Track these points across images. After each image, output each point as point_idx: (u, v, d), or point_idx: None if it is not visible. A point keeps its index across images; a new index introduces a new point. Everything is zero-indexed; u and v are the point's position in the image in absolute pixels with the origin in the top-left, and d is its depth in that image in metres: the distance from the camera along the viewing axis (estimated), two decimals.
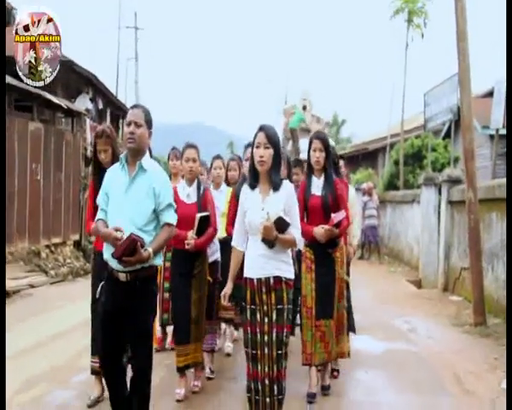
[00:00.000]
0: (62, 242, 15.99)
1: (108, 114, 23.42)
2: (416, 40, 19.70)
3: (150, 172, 4.12)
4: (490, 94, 16.74)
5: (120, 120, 25.61)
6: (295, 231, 4.16)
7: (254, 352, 4.09)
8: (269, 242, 4.04)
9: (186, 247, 5.30)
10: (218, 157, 6.95)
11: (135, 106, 4.34)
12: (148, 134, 4.19)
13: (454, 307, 9.80)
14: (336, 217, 5.20)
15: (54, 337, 7.61)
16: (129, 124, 4.10)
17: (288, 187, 4.22)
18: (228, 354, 6.84)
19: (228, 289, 4.29)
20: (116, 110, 24.84)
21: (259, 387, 4.05)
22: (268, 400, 4.04)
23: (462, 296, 10.32)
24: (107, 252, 4.03)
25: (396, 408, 5.39)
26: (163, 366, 6.24)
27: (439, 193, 12.35)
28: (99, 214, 4.17)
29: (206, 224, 5.39)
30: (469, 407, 5.41)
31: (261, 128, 4.20)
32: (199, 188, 5.60)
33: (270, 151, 4.11)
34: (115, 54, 33.82)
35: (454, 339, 7.91)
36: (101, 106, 21.76)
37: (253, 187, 4.24)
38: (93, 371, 5.23)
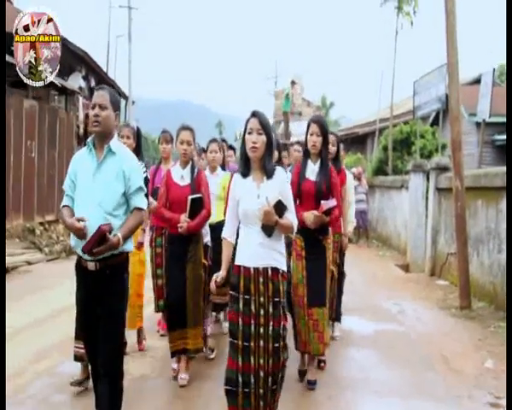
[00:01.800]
0: (55, 219, 16.15)
1: None
2: (405, 27, 19.95)
3: (119, 154, 3.98)
4: (477, 81, 17.10)
5: None
6: (291, 216, 4.08)
7: (247, 344, 3.93)
8: (268, 228, 3.94)
9: (179, 230, 5.29)
10: (213, 140, 6.90)
11: (100, 88, 4.12)
12: (115, 116, 4.03)
13: (441, 291, 10.17)
14: (326, 204, 5.15)
15: (60, 311, 7.84)
16: (93, 106, 3.95)
17: (281, 173, 4.13)
18: (223, 333, 6.94)
19: (222, 275, 4.10)
20: None
21: (252, 380, 3.91)
22: (261, 391, 3.93)
23: (449, 281, 10.69)
24: (73, 239, 3.90)
25: (387, 385, 5.69)
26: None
27: (428, 180, 12.64)
28: (64, 200, 4.01)
29: (199, 206, 5.36)
30: (455, 383, 5.75)
31: (254, 114, 4.08)
32: (193, 170, 5.57)
33: (263, 138, 4.00)
34: (105, 32, 33.66)
35: (441, 321, 8.27)
36: (93, 84, 21.80)
37: (244, 175, 4.12)
38: (76, 358, 5.14)
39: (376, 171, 19.82)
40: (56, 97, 18.83)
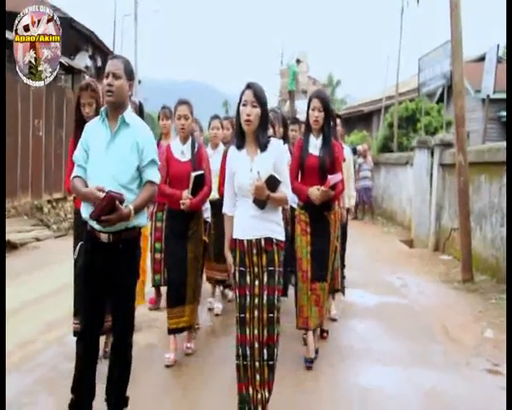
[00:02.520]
0: (63, 197, 16.29)
1: None
2: (411, 5, 19.90)
3: (133, 126, 3.86)
4: (482, 58, 17.10)
5: None
6: (285, 189, 4.02)
7: (243, 315, 3.92)
8: (260, 202, 3.89)
9: (181, 207, 5.20)
10: (215, 117, 6.94)
11: (114, 56, 4.00)
12: (129, 86, 3.88)
13: (444, 266, 10.29)
14: (333, 179, 5.06)
15: (68, 285, 7.84)
16: (107, 76, 3.80)
17: (276, 145, 4.05)
18: (217, 315, 6.96)
19: (229, 259, 4.12)
20: None
21: (248, 352, 3.89)
22: (257, 364, 3.89)
23: (452, 255, 10.80)
24: (86, 211, 3.77)
25: (388, 354, 5.82)
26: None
27: (432, 156, 12.70)
28: (76, 171, 3.85)
29: (201, 183, 5.29)
30: (455, 352, 5.89)
31: (249, 86, 3.97)
32: (193, 145, 5.47)
33: (258, 110, 3.91)
34: (111, 11, 33.75)
35: (443, 294, 8.39)
36: (99, 63, 21.91)
37: (239, 148, 4.06)
38: (75, 334, 4.91)
39: (382, 148, 19.88)
40: (63, 77, 18.92)
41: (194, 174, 5.21)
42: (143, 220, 3.92)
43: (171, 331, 5.38)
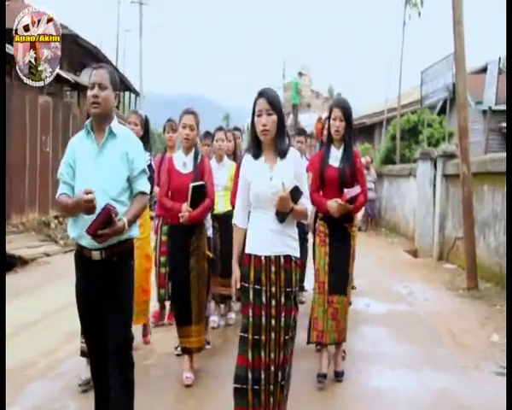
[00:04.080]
0: None
1: None
2: (413, 18, 20.15)
3: (121, 136, 3.75)
4: (483, 70, 17.33)
5: (121, 93, 26.06)
6: (306, 202, 3.82)
7: (257, 337, 3.68)
8: (282, 215, 3.67)
9: (180, 220, 5.01)
10: (220, 129, 6.88)
11: (99, 66, 3.82)
12: (115, 96, 3.77)
13: (448, 274, 10.45)
14: (349, 192, 4.97)
15: None
16: (92, 86, 3.67)
17: (295, 154, 3.86)
18: (229, 325, 7.02)
19: (236, 273, 3.84)
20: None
21: (262, 375, 3.67)
22: (271, 387, 3.69)
23: (456, 264, 10.96)
24: (75, 229, 3.67)
25: (398, 357, 6.00)
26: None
27: (435, 167, 12.87)
28: (62, 189, 3.69)
29: (201, 194, 5.07)
30: (463, 356, 6.05)
31: (261, 94, 3.77)
32: (196, 157, 5.28)
33: (274, 118, 3.70)
34: (114, 26, 34.09)
35: (449, 301, 8.56)
36: None
37: (256, 156, 3.83)
38: (83, 353, 4.90)
39: (384, 160, 20.05)
40: (69, 93, 19.18)
41: (192, 185, 5.01)
42: (135, 232, 3.82)
43: (184, 350, 5.27)
